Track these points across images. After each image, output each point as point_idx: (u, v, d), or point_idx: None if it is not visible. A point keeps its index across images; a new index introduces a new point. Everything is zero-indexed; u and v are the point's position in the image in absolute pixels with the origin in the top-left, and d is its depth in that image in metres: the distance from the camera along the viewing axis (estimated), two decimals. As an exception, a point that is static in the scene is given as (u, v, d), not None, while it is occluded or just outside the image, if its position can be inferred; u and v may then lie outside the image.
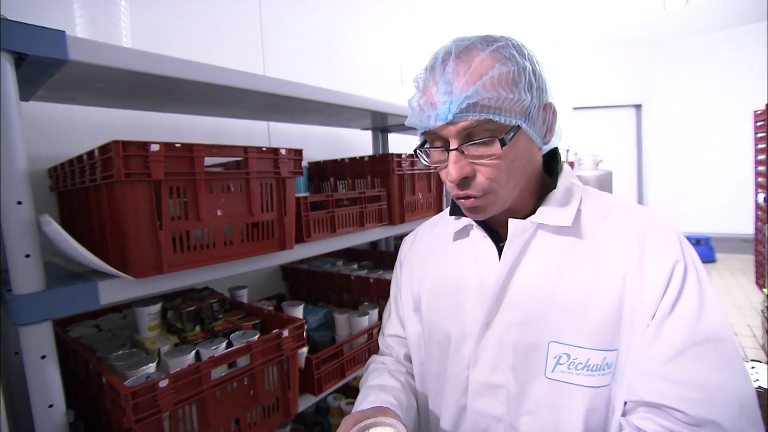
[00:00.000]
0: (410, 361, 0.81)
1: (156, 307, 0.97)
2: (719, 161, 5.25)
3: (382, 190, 1.30)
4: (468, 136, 0.57)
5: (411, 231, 0.91)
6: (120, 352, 0.90)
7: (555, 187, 0.65)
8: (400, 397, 0.71)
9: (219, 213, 0.82)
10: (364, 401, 0.69)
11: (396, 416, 0.61)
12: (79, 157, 0.81)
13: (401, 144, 2.12)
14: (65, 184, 0.94)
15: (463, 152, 0.58)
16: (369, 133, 2.00)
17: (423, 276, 0.76)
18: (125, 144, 0.67)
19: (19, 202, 0.64)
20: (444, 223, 0.78)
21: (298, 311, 1.19)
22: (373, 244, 2.06)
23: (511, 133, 0.56)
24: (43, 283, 0.66)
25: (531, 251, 0.63)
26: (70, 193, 0.95)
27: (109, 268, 0.68)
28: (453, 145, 0.58)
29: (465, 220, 0.71)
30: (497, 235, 0.68)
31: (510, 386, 0.62)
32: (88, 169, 0.78)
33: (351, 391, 1.52)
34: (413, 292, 0.78)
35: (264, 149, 0.87)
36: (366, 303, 1.38)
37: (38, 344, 0.66)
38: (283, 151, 0.91)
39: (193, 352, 0.88)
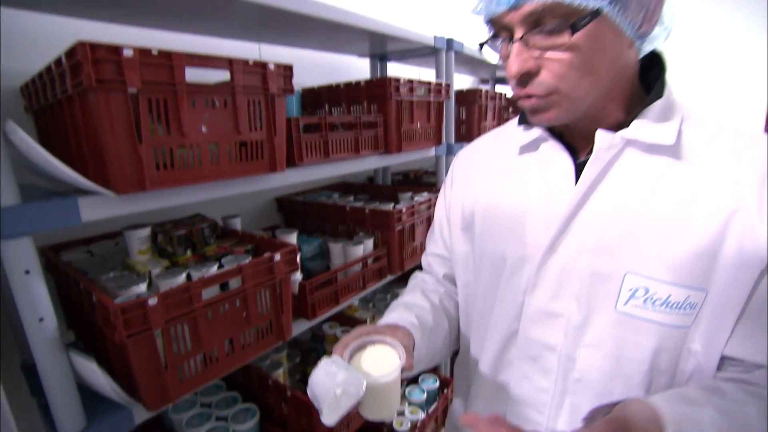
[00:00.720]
0: (451, 282, 0.79)
1: (145, 231, 0.95)
2: None
3: (379, 115, 1.24)
4: (535, 24, 0.48)
5: (407, 161, 0.86)
6: (111, 274, 0.89)
7: (658, 97, 0.54)
8: (424, 317, 0.68)
9: (204, 129, 0.77)
10: (387, 317, 0.68)
11: (407, 336, 0.60)
12: (48, 68, 0.74)
13: (400, 74, 2.01)
14: (38, 102, 0.88)
15: (527, 43, 0.49)
16: (367, 61, 1.89)
17: (478, 193, 0.69)
18: (93, 47, 0.61)
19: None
20: (509, 134, 0.69)
21: (292, 238, 1.18)
22: (370, 179, 2.02)
23: (587, 18, 0.45)
24: (17, 197, 0.63)
25: (615, 171, 0.54)
26: (45, 111, 0.89)
27: (86, 181, 0.65)
28: (517, 34, 0.49)
29: (536, 131, 0.61)
30: (572, 151, 0.59)
31: (570, 316, 0.57)
32: (58, 80, 0.72)
33: (346, 320, 1.55)
34: (464, 210, 0.71)
35: (251, 62, 0.81)
36: (361, 233, 1.36)
37: (20, 259, 0.64)
38: (271, 66, 0.84)
39: (184, 274, 0.87)
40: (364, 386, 0.50)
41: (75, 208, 0.67)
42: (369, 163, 1.25)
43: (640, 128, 0.53)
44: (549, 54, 0.49)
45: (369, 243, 1.29)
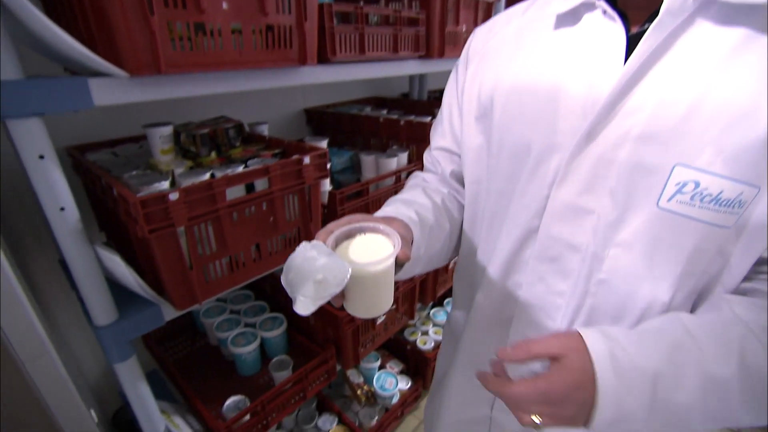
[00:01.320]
0: (458, 180, 0.71)
1: (167, 129, 0.89)
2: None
3: (422, 11, 1.09)
4: None
5: (448, 71, 0.73)
6: (134, 172, 0.85)
7: None
8: (424, 215, 0.62)
9: (225, 6, 0.67)
10: (382, 211, 0.61)
11: (404, 228, 0.53)
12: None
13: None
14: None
15: None
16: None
17: (500, 74, 0.58)
18: None
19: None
20: (542, 4, 0.58)
21: (322, 144, 1.10)
22: (405, 95, 1.89)
23: None
24: (19, 71, 0.57)
25: (679, 46, 0.45)
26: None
27: (94, 56, 0.58)
28: None
29: None
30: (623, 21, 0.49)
31: (603, 212, 0.50)
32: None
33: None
34: (481, 95, 0.61)
35: (276, -76, 0.68)
36: (395, 147, 1.27)
37: (32, 143, 0.60)
38: (300, -69, 0.71)
39: (208, 174, 0.82)
40: (349, 273, 0.42)
41: (85, 89, 0.61)
42: (408, 67, 1.12)
43: None
44: None
45: (403, 157, 1.20)
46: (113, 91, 0.63)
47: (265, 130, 1.16)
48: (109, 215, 0.89)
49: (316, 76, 0.87)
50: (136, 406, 0.85)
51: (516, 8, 0.62)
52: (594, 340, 0.45)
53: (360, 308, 0.48)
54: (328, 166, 0.90)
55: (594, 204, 0.50)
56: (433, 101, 1.77)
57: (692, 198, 0.45)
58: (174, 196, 0.66)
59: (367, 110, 1.54)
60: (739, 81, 0.42)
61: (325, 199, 1.02)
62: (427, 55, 1.15)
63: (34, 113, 0.58)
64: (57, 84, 0.59)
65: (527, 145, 0.54)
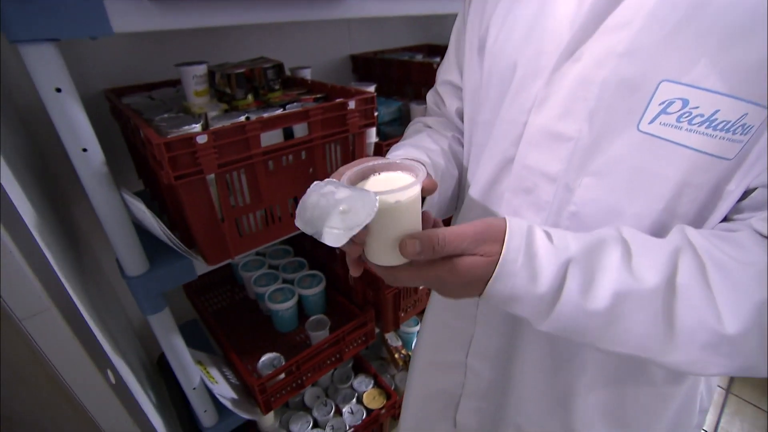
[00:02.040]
0: (462, 119, 0.65)
1: (201, 68, 0.81)
2: None
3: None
4: None
5: None
6: (165, 115, 0.78)
7: None
8: (435, 159, 0.57)
9: None
10: (390, 155, 0.57)
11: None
12: None
13: None
14: None
15: None
16: None
17: (498, 2, 0.54)
18: None
19: None
20: None
21: (370, 90, 0.99)
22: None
23: None
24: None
25: None
26: None
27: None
28: None
29: None
30: None
31: (580, 138, 0.45)
32: None
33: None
34: (481, 27, 0.56)
35: None
36: (449, 97, 1.14)
37: (47, 72, 0.53)
38: None
39: (243, 117, 0.74)
40: (377, 203, 0.35)
41: (102, 12, 0.53)
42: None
43: None
44: None
45: (458, 108, 1.07)
46: (133, 15, 0.55)
47: (307, 74, 1.06)
48: (143, 160, 0.84)
49: (362, 8, 0.75)
50: (171, 357, 0.83)
51: None
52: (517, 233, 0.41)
53: (384, 253, 0.41)
54: (375, 114, 0.79)
55: (572, 129, 0.45)
56: (492, 49, 1.60)
57: (679, 119, 0.39)
58: (202, 138, 0.59)
59: (419, 57, 1.40)
60: None
61: (371, 151, 0.92)
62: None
63: (45, 38, 0.52)
64: (69, 3, 0.51)
65: (512, 68, 0.50)
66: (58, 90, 0.55)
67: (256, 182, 0.69)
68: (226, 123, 0.72)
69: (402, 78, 1.26)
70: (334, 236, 0.36)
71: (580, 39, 0.43)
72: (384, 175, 0.43)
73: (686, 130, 0.39)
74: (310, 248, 1.33)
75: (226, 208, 0.68)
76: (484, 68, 0.55)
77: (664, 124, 0.40)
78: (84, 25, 0.53)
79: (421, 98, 1.22)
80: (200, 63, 0.82)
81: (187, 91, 0.83)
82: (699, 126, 0.38)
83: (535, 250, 0.39)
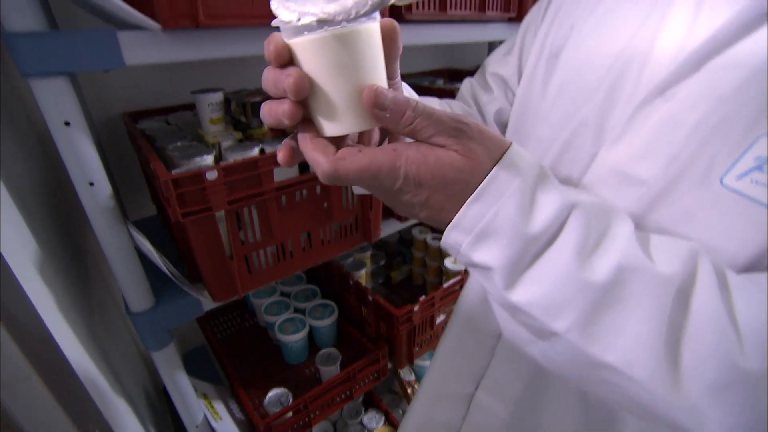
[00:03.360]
0: (498, 125, 0.58)
1: (217, 96, 0.79)
2: None
3: (517, -40, 0.90)
4: None
5: None
6: (179, 143, 0.76)
7: None
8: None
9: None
10: None
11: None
12: None
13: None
14: None
15: None
16: None
17: (582, 13, 0.47)
18: None
19: None
20: None
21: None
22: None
23: None
24: (42, 20, 0.48)
25: None
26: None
27: (119, 2, 0.47)
28: None
29: None
30: None
31: (654, 184, 0.38)
32: None
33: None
34: (558, 33, 0.50)
35: None
36: (470, 126, 1.11)
37: (56, 105, 0.52)
38: None
39: (257, 149, 0.71)
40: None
41: (115, 44, 0.51)
42: (493, 32, 0.94)
43: None
44: None
45: (479, 138, 1.04)
46: (145, 47, 0.53)
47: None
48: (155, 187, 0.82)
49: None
50: (174, 394, 0.79)
51: None
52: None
53: (337, 111, 0.30)
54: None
55: (647, 173, 0.39)
56: (515, 74, 1.57)
57: None
58: (212, 174, 0.56)
59: (439, 83, 1.38)
60: None
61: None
62: (518, 18, 0.96)
63: (57, 72, 0.50)
64: (82, 37, 0.49)
65: (590, 93, 0.44)
66: (67, 123, 0.53)
67: (268, 218, 0.66)
68: (240, 154, 0.70)
69: (422, 104, 1.23)
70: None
71: (680, 76, 0.38)
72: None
73: None
74: (323, 276, 1.30)
75: (236, 245, 0.65)
76: (553, 81, 0.49)
77: (752, 182, 0.34)
78: (96, 59, 0.51)
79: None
80: (216, 90, 0.80)
81: (202, 119, 0.82)
82: None
83: (536, 179, 0.31)
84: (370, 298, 1.06)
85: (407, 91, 0.47)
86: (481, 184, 0.29)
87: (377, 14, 0.31)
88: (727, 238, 0.35)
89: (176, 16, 0.51)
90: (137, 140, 0.77)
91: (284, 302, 1.23)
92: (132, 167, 1.07)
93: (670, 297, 0.29)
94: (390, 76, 0.34)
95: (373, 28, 0.29)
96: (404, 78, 1.43)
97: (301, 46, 0.29)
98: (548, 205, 0.30)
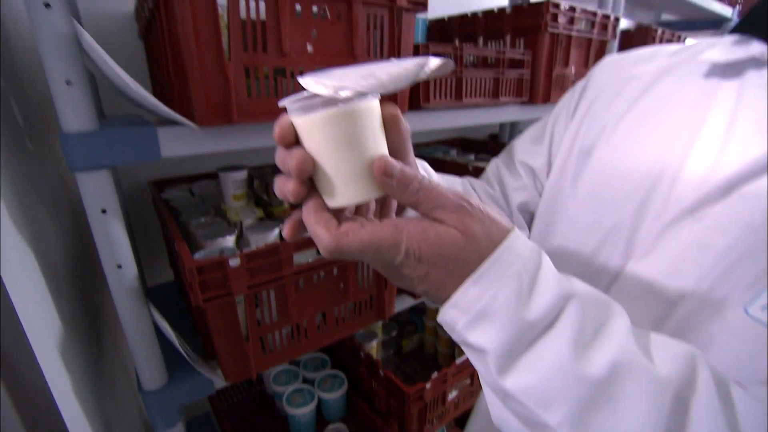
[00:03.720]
0: (524, 213, 0.59)
1: (241, 174, 0.83)
2: None
3: (528, 52, 0.96)
4: None
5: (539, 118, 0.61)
6: (202, 219, 0.79)
7: None
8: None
9: (309, 49, 0.59)
10: None
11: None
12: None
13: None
14: (142, 22, 0.78)
15: None
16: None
17: (618, 109, 0.48)
18: None
19: (47, 5, 0.47)
20: (695, 50, 0.48)
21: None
22: (493, 136, 1.74)
23: None
24: (92, 121, 0.52)
25: None
26: (147, 32, 0.79)
27: (160, 105, 0.51)
28: None
29: (755, 48, 0.41)
30: None
31: (681, 304, 0.39)
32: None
33: (451, 296, 1.37)
34: (589, 131, 0.51)
35: (375, -41, 0.59)
36: (483, 201, 1.13)
37: (96, 195, 0.54)
38: (401, -34, 0.62)
39: (277, 230, 0.73)
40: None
41: (154, 140, 0.55)
42: (506, 114, 0.98)
43: None
44: None
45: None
46: (182, 142, 0.57)
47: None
48: (175, 255, 0.84)
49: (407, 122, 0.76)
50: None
51: (656, 48, 0.53)
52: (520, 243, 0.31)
53: (344, 181, 0.31)
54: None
55: (674, 292, 0.40)
56: (526, 145, 1.61)
57: None
58: (235, 262, 0.58)
59: (453, 153, 1.42)
60: None
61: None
62: (530, 101, 1.01)
63: (101, 166, 0.53)
64: (127, 134, 0.53)
65: (620, 203, 0.45)
66: (104, 211, 0.55)
67: (285, 300, 0.67)
68: (260, 234, 0.72)
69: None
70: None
71: (711, 199, 0.39)
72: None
73: None
74: (334, 346, 1.28)
75: (252, 326, 0.65)
76: (582, 181, 0.50)
77: None
78: (136, 153, 0.54)
79: (455, 199, 1.21)
80: (240, 169, 0.84)
81: (226, 194, 0.85)
82: None
83: (536, 266, 0.31)
84: (381, 372, 1.03)
85: (422, 168, 0.48)
86: (482, 266, 0.30)
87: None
88: (751, 367, 0.34)
89: (212, 115, 0.55)
90: (162, 212, 0.80)
91: (293, 371, 1.20)
92: (153, 232, 1.10)
93: (667, 401, 0.28)
94: (403, 157, 0.35)
95: (374, 103, 0.31)
96: (417, 147, 1.47)
97: (310, 123, 0.30)
98: (546, 292, 0.30)
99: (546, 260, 0.32)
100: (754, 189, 0.37)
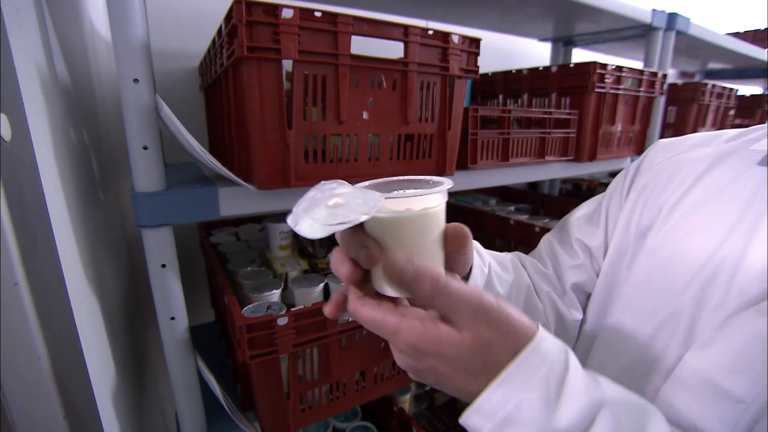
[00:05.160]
0: (580, 294, 0.57)
1: (288, 226, 0.85)
2: None
3: (574, 112, 0.96)
4: None
5: (596, 173, 0.60)
6: (249, 268, 0.81)
7: None
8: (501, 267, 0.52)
9: (365, 116, 0.61)
10: None
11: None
12: (213, 39, 0.67)
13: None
14: (207, 78, 0.84)
15: None
16: (548, 47, 1.59)
17: (672, 199, 0.48)
18: (249, 6, 0.49)
19: (136, 80, 0.51)
20: (751, 137, 0.48)
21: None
22: (533, 186, 1.73)
23: None
24: (162, 182, 0.56)
25: None
26: (210, 89, 0.85)
27: (225, 171, 0.55)
28: None
29: None
30: None
31: (752, 403, 0.36)
32: (218, 52, 0.63)
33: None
34: (643, 215, 0.50)
35: (431, 32, 0.62)
36: (525, 255, 1.11)
37: (158, 251, 0.57)
38: (455, 38, 0.64)
39: (321, 285, 0.74)
40: (379, 203, 0.29)
41: (215, 200, 0.58)
42: (552, 171, 0.98)
43: None
44: None
45: (536, 270, 1.03)
46: (240, 202, 0.60)
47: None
48: (219, 298, 0.86)
49: (455, 183, 0.77)
50: None
51: (710, 134, 0.53)
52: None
53: (380, 278, 0.33)
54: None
55: (741, 391, 0.37)
56: (566, 196, 1.59)
57: None
58: (283, 321, 0.58)
59: (493, 203, 1.42)
60: None
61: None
62: (576, 159, 1.00)
63: (164, 223, 0.56)
64: (190, 194, 0.56)
65: (677, 291, 0.44)
66: (163, 266, 0.58)
67: (327, 358, 0.67)
68: (305, 288, 0.73)
69: (477, 227, 1.26)
70: (309, 227, 0.29)
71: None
72: (412, 191, 0.35)
73: None
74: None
75: (294, 384, 0.65)
76: (638, 265, 0.49)
77: None
78: (198, 213, 0.57)
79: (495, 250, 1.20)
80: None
81: (272, 244, 0.87)
82: None
83: (563, 369, 0.30)
84: (414, 430, 1.00)
85: (476, 250, 0.48)
86: (506, 369, 0.29)
87: (441, 197, 0.34)
88: None
89: (271, 180, 0.57)
90: (211, 259, 0.83)
91: (325, 422, 1.18)
92: (198, 272, 1.14)
93: None
94: (457, 268, 0.39)
95: (427, 213, 0.33)
96: (457, 195, 1.46)
97: (387, 220, 0.32)
98: (576, 399, 0.29)
99: (574, 362, 0.31)
100: None
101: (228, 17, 0.53)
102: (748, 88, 2.70)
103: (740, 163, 0.45)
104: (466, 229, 0.36)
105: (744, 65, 2.18)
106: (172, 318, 0.61)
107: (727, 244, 0.42)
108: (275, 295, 0.70)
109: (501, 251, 0.64)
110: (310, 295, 0.73)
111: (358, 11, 1.14)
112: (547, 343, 0.31)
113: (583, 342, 0.56)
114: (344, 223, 0.28)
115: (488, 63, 1.56)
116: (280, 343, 0.59)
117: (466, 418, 0.31)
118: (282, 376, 0.64)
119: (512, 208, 1.34)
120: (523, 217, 1.20)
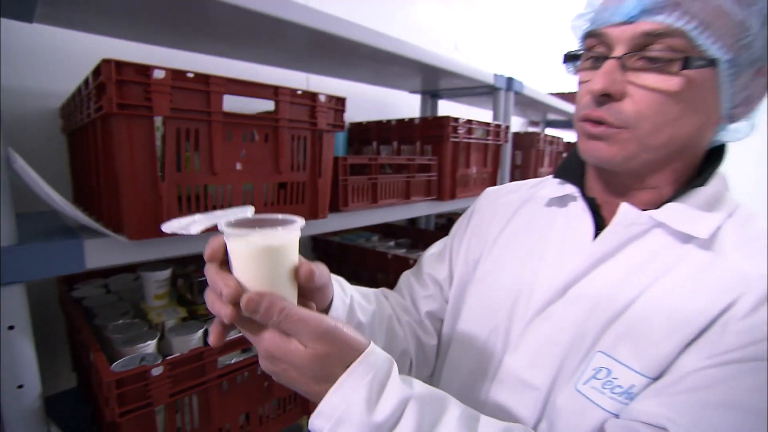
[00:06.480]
0: (433, 320, 0.67)
1: (165, 274, 0.84)
2: None
3: (434, 158, 1.11)
4: (641, 46, 0.43)
5: (459, 209, 0.73)
6: (120, 321, 0.77)
7: (702, 184, 0.49)
8: (365, 301, 0.59)
9: (239, 167, 0.66)
10: None
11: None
12: (79, 88, 0.66)
13: (451, 113, 1.91)
14: (70, 123, 0.81)
15: (624, 65, 0.44)
16: (417, 98, 1.80)
17: (491, 235, 0.62)
18: (120, 66, 0.51)
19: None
20: (543, 185, 0.63)
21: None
22: (412, 221, 1.89)
23: (702, 62, 0.41)
24: (14, 236, 0.53)
25: (631, 249, 0.49)
26: (74, 134, 0.81)
27: (93, 223, 0.54)
28: (616, 51, 0.44)
29: (569, 188, 0.57)
30: (600, 217, 0.54)
31: (543, 390, 0.50)
32: (84, 101, 0.63)
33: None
34: (472, 250, 0.64)
35: (300, 92, 0.70)
36: (403, 287, 1.21)
37: (6, 311, 0.53)
38: (322, 98, 0.73)
39: (201, 331, 0.74)
40: (250, 211, 0.41)
41: (80, 253, 0.56)
42: (418, 210, 1.11)
43: (674, 213, 0.48)
44: (642, 81, 0.43)
45: (412, 299, 1.13)
46: (109, 253, 0.59)
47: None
48: (82, 359, 0.79)
49: (327, 225, 0.84)
50: None
51: (522, 183, 0.69)
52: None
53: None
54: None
55: (538, 380, 0.50)
56: (440, 230, 1.77)
57: (604, 385, 0.45)
58: (158, 371, 0.58)
59: (374, 239, 1.52)
60: (678, 293, 0.45)
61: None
62: (438, 198, 1.15)
63: (15, 281, 0.53)
64: (49, 248, 0.54)
65: (497, 306, 0.56)
66: (11, 327, 0.54)
67: (208, 404, 0.66)
68: (184, 336, 0.72)
69: (359, 263, 1.34)
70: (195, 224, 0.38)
71: (551, 301, 0.51)
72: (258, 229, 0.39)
73: (608, 395, 0.45)
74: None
75: (171, 437, 0.63)
76: (472, 288, 0.61)
77: (592, 387, 0.46)
78: (59, 267, 0.55)
79: (378, 285, 1.28)
80: (164, 268, 0.84)
81: (147, 294, 0.84)
82: (617, 395, 0.44)
83: (384, 377, 0.38)
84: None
85: (339, 284, 0.54)
86: (340, 378, 0.37)
87: (287, 234, 0.39)
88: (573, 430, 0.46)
89: (143, 230, 0.58)
90: (73, 316, 0.77)
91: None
92: (55, 333, 1.02)
93: None
94: (317, 299, 0.46)
95: (273, 247, 0.38)
96: (341, 234, 1.53)
97: (247, 252, 0.37)
98: (391, 397, 0.37)
99: (395, 371, 0.40)
100: (575, 292, 0.50)
101: (96, 72, 0.54)
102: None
103: (536, 205, 0.61)
104: (315, 267, 0.42)
105: (571, 117, 2.68)
106: (20, 386, 0.56)
107: (527, 268, 0.56)
108: (150, 346, 0.68)
109: (381, 285, 0.73)
110: (188, 342, 0.72)
111: (243, 63, 1.18)
112: (374, 356, 0.39)
113: (440, 358, 0.65)
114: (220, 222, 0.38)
115: (366, 112, 1.72)
116: (155, 394, 0.58)
117: (311, 423, 0.38)
118: (158, 428, 0.62)
119: (392, 243, 1.46)
120: (401, 251, 1.32)
